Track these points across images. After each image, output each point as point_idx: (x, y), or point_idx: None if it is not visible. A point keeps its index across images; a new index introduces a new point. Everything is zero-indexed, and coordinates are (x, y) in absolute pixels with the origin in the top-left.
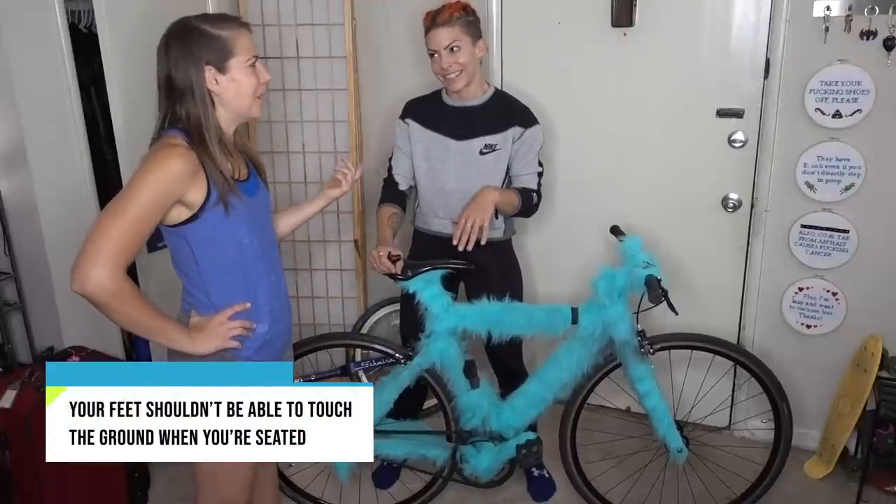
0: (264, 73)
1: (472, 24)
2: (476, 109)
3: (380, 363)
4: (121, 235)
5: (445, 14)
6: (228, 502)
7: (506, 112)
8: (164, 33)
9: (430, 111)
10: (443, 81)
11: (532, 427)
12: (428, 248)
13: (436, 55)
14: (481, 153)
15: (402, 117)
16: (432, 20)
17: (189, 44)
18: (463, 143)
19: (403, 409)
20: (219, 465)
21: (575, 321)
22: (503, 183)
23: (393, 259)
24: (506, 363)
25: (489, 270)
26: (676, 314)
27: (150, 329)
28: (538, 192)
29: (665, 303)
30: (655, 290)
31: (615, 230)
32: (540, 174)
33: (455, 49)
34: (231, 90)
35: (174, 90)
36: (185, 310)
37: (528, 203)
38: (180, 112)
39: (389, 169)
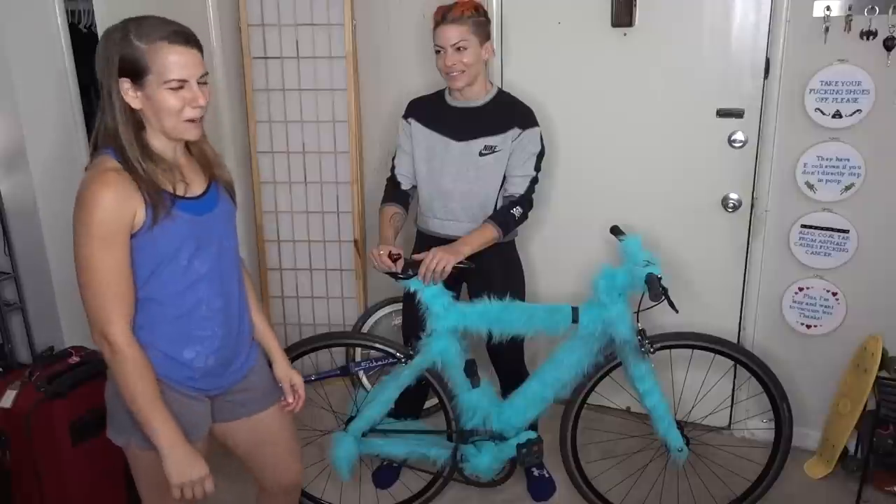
0: (199, 97)
1: (482, 25)
2: (478, 110)
3: (380, 363)
4: (101, 288)
5: (457, 11)
6: None
7: (507, 113)
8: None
9: (432, 111)
10: (445, 78)
11: (532, 426)
12: (428, 249)
13: (441, 51)
14: (481, 154)
15: (405, 116)
16: (442, 16)
17: (109, 48)
18: (463, 144)
19: (404, 409)
20: (150, 485)
21: (575, 320)
22: (501, 184)
23: (393, 258)
24: (506, 363)
25: (492, 270)
26: (677, 311)
27: (141, 405)
28: (526, 198)
29: (665, 301)
30: (656, 288)
31: (615, 230)
32: (533, 180)
33: (461, 48)
34: (149, 108)
35: (99, 94)
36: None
37: (509, 224)
38: (100, 122)
39: (392, 168)
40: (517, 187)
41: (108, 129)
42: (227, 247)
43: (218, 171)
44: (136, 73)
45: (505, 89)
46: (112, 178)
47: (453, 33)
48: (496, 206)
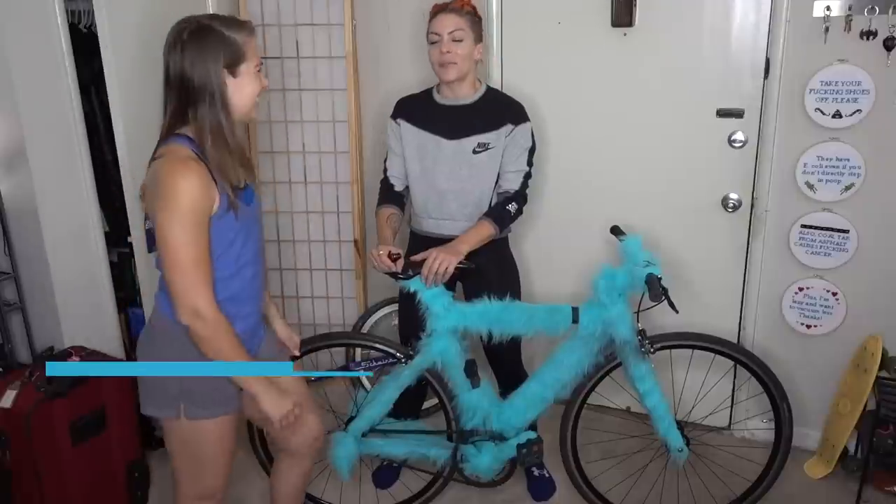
0: (264, 78)
1: (477, 24)
2: (468, 108)
3: (380, 363)
4: (191, 267)
5: (457, 2)
6: (205, 490)
7: (499, 110)
8: (175, 30)
9: (420, 110)
10: (437, 71)
11: (532, 426)
12: (422, 250)
13: (437, 41)
14: (474, 152)
15: (394, 117)
16: (442, 5)
17: (206, 44)
18: (455, 143)
19: (404, 409)
20: (192, 455)
21: (575, 320)
22: (496, 182)
23: (393, 258)
24: (505, 364)
25: (486, 269)
26: (677, 312)
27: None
28: (520, 194)
29: (665, 301)
30: (656, 289)
31: (615, 230)
32: (527, 175)
33: (457, 38)
34: (237, 94)
35: (187, 91)
36: (161, 309)
37: (505, 220)
38: (193, 114)
39: (385, 170)
40: (511, 183)
41: (202, 120)
42: (260, 238)
43: (248, 167)
44: (235, 62)
45: (505, 90)
46: (195, 167)
47: (451, 21)
48: (491, 203)
